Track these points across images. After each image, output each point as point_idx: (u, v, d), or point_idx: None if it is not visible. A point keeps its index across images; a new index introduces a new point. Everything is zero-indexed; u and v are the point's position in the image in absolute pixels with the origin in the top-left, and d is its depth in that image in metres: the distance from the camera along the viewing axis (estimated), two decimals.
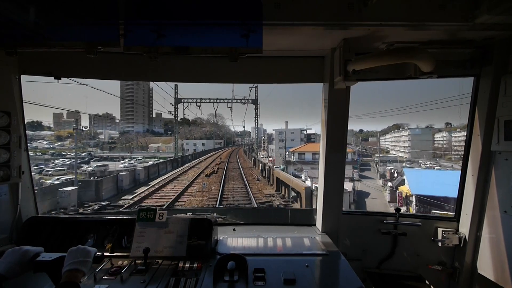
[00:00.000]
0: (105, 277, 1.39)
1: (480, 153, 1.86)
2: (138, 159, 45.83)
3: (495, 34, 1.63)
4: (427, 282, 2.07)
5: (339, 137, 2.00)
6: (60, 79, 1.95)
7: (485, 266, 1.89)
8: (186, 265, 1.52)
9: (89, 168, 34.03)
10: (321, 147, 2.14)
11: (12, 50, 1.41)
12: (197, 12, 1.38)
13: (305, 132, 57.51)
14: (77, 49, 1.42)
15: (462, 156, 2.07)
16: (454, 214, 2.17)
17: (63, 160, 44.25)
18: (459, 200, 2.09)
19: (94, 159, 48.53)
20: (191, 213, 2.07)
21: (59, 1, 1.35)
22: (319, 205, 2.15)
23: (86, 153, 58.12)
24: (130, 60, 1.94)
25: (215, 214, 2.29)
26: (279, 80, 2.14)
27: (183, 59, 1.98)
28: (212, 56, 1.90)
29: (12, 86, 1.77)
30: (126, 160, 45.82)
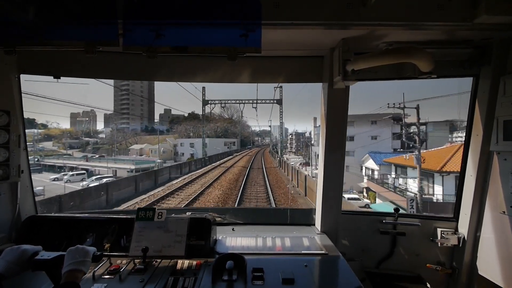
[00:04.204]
0: (104, 276, 1.40)
1: (479, 153, 1.86)
2: (80, 173, 31.25)
3: (494, 34, 1.63)
4: (426, 282, 2.08)
5: (339, 136, 2.00)
6: (60, 78, 1.96)
7: (485, 267, 1.89)
8: (184, 265, 1.53)
9: None
10: (320, 147, 2.14)
11: (11, 49, 1.40)
12: (196, 11, 1.38)
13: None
14: (76, 48, 1.42)
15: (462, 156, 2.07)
16: (453, 214, 2.17)
17: None
18: (458, 200, 2.09)
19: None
20: (190, 213, 2.07)
21: (58, 1, 1.36)
22: (318, 204, 2.15)
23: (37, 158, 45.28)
24: (129, 60, 1.94)
25: (214, 213, 2.30)
26: (278, 80, 2.14)
27: (182, 59, 1.98)
28: (211, 56, 1.91)
29: (11, 85, 1.77)
30: (62, 174, 31.31)
